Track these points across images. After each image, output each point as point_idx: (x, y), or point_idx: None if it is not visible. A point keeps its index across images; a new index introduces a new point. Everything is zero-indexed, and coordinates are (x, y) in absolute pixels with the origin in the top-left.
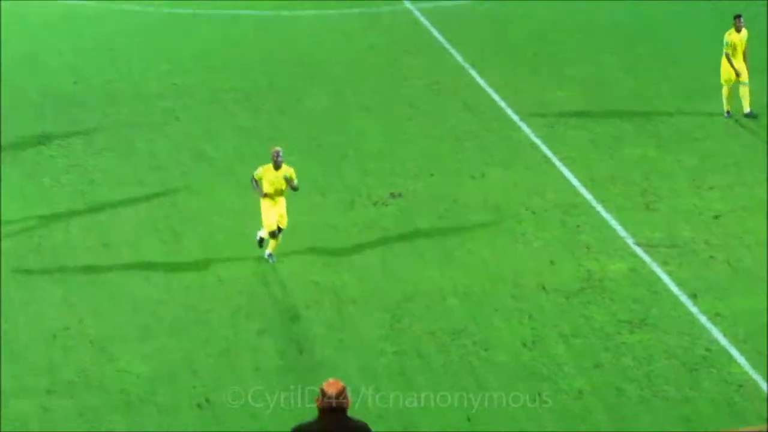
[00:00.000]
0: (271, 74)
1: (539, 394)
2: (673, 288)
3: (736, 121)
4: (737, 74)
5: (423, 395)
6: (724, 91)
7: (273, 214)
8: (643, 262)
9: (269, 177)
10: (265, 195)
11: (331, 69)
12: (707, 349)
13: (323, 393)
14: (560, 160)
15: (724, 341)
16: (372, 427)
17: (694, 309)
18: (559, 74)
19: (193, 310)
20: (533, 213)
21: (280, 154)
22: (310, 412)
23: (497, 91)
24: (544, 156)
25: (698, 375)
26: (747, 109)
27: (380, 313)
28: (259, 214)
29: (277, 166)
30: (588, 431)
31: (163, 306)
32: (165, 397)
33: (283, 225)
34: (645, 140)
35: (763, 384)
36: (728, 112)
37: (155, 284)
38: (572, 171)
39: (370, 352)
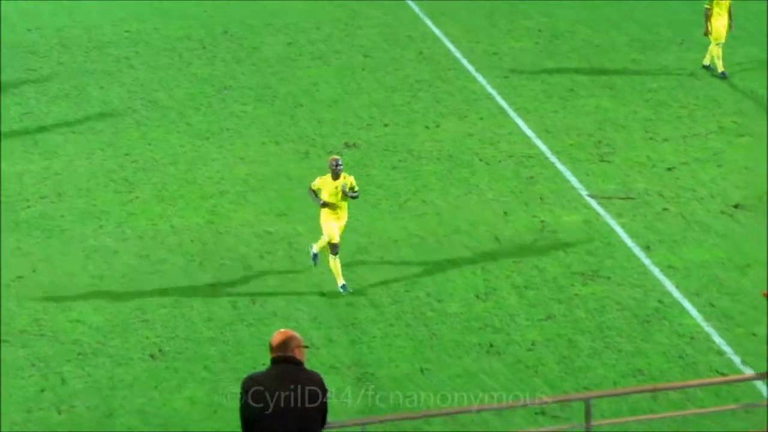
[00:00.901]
0: (226, 22)
1: (492, 345)
2: (627, 240)
3: (691, 73)
4: (707, 33)
5: (377, 346)
6: (714, 49)
7: (334, 225)
8: (597, 213)
9: (328, 187)
10: (325, 204)
11: (286, 18)
12: (660, 301)
13: (275, 343)
14: (515, 110)
15: (676, 293)
16: (325, 377)
17: (647, 261)
18: (515, 25)
19: (147, 260)
20: (487, 164)
21: (339, 162)
22: (263, 362)
23: (453, 42)
24: (499, 107)
25: (650, 327)
26: (721, 69)
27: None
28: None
29: (335, 176)
30: (540, 382)
31: (116, 256)
32: (118, 348)
33: (339, 236)
34: (599, 91)
35: (714, 336)
36: (723, 72)
37: (109, 234)
38: (527, 122)
39: (324, 302)
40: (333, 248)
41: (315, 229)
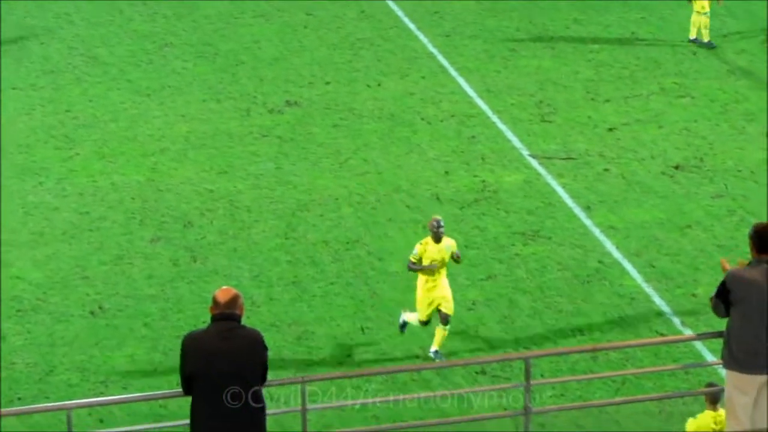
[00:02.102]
0: None
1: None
2: (568, 200)
3: (632, 33)
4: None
5: (317, 304)
6: (700, 20)
7: (431, 297)
8: (538, 173)
9: (430, 253)
10: (421, 268)
11: None
12: (600, 262)
13: (216, 301)
14: (456, 70)
15: (616, 254)
16: (265, 335)
17: (587, 221)
18: None
19: (87, 216)
20: (429, 123)
21: (441, 223)
22: (204, 320)
23: (394, 0)
24: (441, 66)
25: (591, 287)
26: (707, 39)
27: (275, 221)
28: None
29: (437, 239)
30: (481, 342)
31: (56, 212)
32: (58, 305)
33: (449, 310)
34: (541, 52)
35: (654, 296)
36: (710, 42)
37: (49, 190)
38: (468, 81)
39: (264, 260)
40: (443, 320)
41: (257, 185)
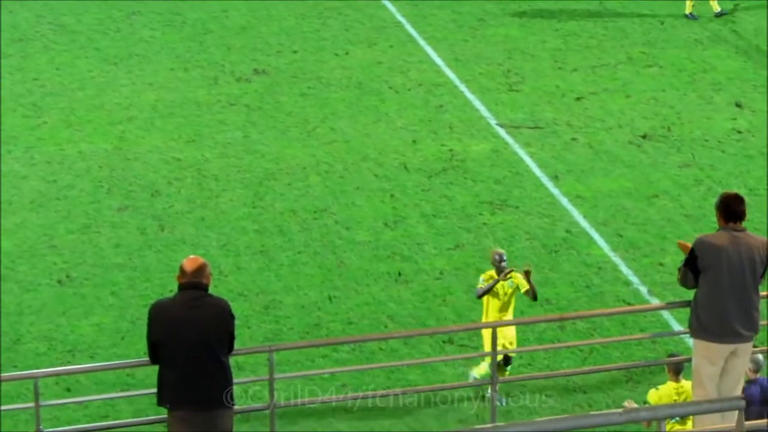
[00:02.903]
0: None
1: (400, 274)
2: (535, 169)
3: (600, 2)
4: None
5: (284, 273)
6: None
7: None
8: (506, 143)
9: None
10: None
11: None
12: (567, 231)
13: (183, 270)
14: (424, 39)
15: (584, 223)
16: (233, 305)
17: (555, 191)
18: None
19: (54, 185)
20: (396, 92)
21: (504, 257)
22: (171, 288)
23: None
24: (408, 35)
25: (558, 256)
26: (717, 9)
27: (242, 190)
28: None
29: (501, 273)
30: (448, 311)
31: (24, 181)
32: (26, 273)
33: (514, 345)
34: (509, 20)
35: (622, 266)
36: (692, 14)
37: (16, 158)
38: (436, 50)
39: (232, 229)
40: (506, 361)
41: (225, 154)
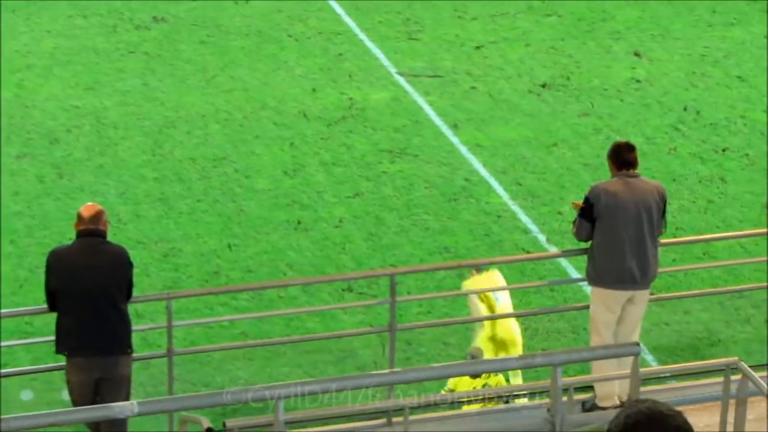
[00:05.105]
0: None
1: (299, 222)
2: (435, 118)
3: None
4: None
5: (184, 221)
6: None
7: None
8: (405, 91)
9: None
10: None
11: None
12: (467, 179)
13: (80, 216)
14: None
15: (483, 172)
16: (131, 253)
17: (454, 139)
18: None
19: None
20: (296, 40)
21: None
22: (69, 236)
23: None
24: None
25: (458, 205)
26: None
27: (141, 138)
28: None
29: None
30: (348, 259)
31: None
32: None
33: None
34: None
35: (521, 214)
36: None
37: None
38: None
39: (131, 177)
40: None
41: (124, 102)
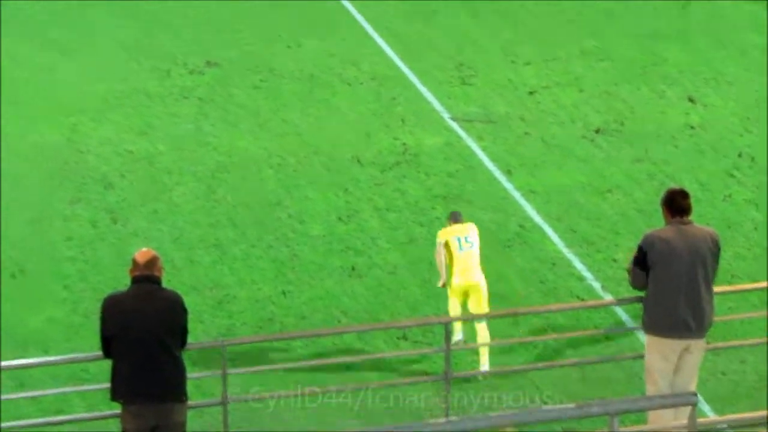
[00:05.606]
0: None
1: (354, 268)
2: (488, 163)
3: None
4: None
5: (238, 267)
6: None
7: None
8: (458, 136)
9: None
10: None
11: None
12: (521, 226)
13: (135, 262)
14: (376, 31)
15: (537, 218)
16: (186, 298)
17: (508, 185)
18: None
19: (6, 176)
20: (349, 84)
21: (458, 218)
22: (124, 282)
23: None
24: (361, 27)
25: (511, 251)
26: None
27: (195, 183)
28: None
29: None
30: (402, 305)
31: None
32: None
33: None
34: (461, 12)
35: (575, 261)
36: None
37: None
38: (388, 43)
39: (185, 222)
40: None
41: (178, 147)
